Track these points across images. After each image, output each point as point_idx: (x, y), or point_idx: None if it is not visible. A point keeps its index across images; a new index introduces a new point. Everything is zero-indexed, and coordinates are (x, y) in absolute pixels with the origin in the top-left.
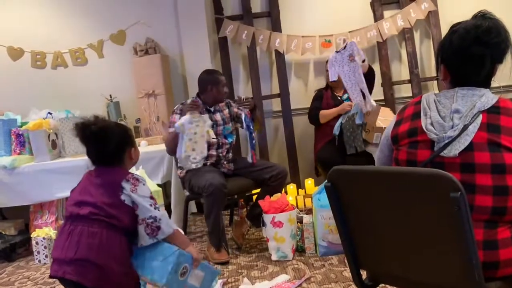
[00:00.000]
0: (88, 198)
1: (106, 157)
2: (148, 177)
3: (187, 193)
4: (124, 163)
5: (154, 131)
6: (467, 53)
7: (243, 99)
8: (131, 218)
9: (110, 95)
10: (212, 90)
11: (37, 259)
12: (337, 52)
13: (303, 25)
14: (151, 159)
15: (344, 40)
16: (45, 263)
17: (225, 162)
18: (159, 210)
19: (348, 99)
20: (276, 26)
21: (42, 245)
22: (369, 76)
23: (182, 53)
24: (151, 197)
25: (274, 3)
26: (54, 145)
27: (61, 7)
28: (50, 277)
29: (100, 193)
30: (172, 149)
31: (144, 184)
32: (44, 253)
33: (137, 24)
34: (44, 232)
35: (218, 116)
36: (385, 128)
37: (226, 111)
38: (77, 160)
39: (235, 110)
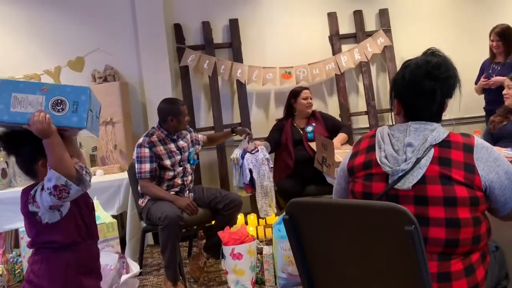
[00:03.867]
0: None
1: (21, 166)
2: (102, 208)
3: (144, 225)
4: (39, 175)
5: (111, 160)
6: (419, 87)
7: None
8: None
9: None
10: (173, 121)
11: None
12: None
13: (264, 57)
14: (106, 189)
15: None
16: None
17: (187, 191)
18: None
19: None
20: (237, 57)
21: None
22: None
23: (143, 81)
24: (45, 189)
25: (235, 34)
26: (4, 174)
27: (17, 32)
28: None
29: (28, 227)
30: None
31: (36, 191)
32: None
33: (96, 51)
34: None
35: (182, 143)
36: None
37: (188, 136)
38: None
39: (195, 135)
